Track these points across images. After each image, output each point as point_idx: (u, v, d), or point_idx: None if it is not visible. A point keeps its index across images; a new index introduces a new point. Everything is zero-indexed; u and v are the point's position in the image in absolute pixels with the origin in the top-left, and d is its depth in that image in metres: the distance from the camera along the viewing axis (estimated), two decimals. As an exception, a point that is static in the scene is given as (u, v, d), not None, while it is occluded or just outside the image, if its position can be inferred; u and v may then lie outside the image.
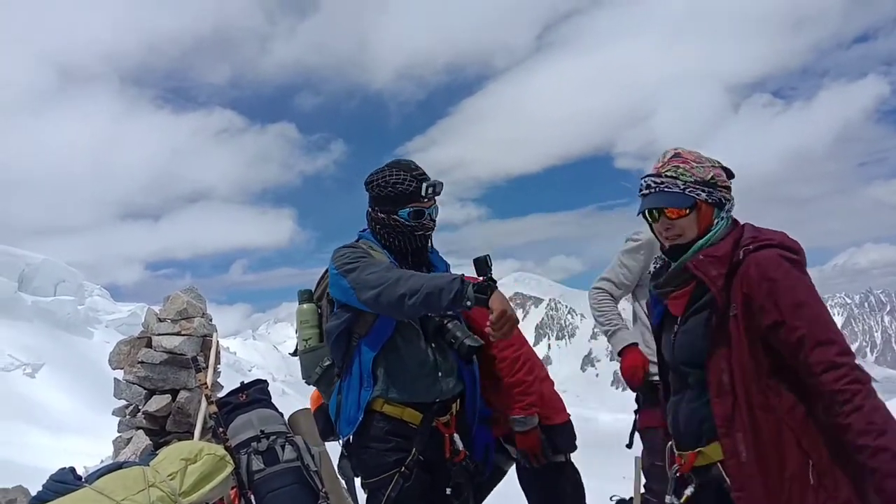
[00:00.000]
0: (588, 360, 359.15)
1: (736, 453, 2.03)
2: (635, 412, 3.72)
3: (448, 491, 2.85)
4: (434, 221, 2.93)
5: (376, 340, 2.78)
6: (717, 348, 2.07)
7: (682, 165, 2.18)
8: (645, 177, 2.25)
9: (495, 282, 2.53)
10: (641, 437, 3.69)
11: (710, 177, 2.17)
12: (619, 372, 3.64)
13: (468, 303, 2.43)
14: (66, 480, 2.91)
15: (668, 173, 2.19)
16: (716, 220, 2.17)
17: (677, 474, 2.26)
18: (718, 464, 2.10)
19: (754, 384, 2.01)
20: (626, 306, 3.98)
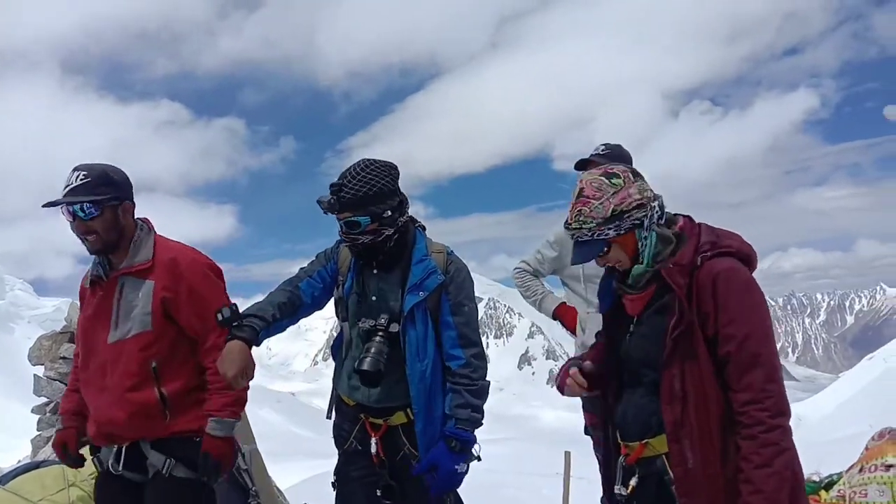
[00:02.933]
0: (525, 359, 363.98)
1: (683, 460, 2.06)
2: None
3: (378, 492, 2.85)
4: (347, 234, 2.73)
5: (339, 337, 3.04)
6: (672, 355, 2.08)
7: (583, 209, 2.16)
8: (564, 225, 2.27)
9: (238, 333, 2.57)
10: (589, 434, 3.84)
11: (611, 211, 2.14)
12: (565, 328, 3.85)
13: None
14: (-23, 481, 2.79)
15: (574, 225, 2.18)
16: (639, 241, 2.17)
17: (624, 464, 2.29)
18: (663, 456, 2.14)
19: (704, 392, 2.05)
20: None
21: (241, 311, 2.64)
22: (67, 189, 2.63)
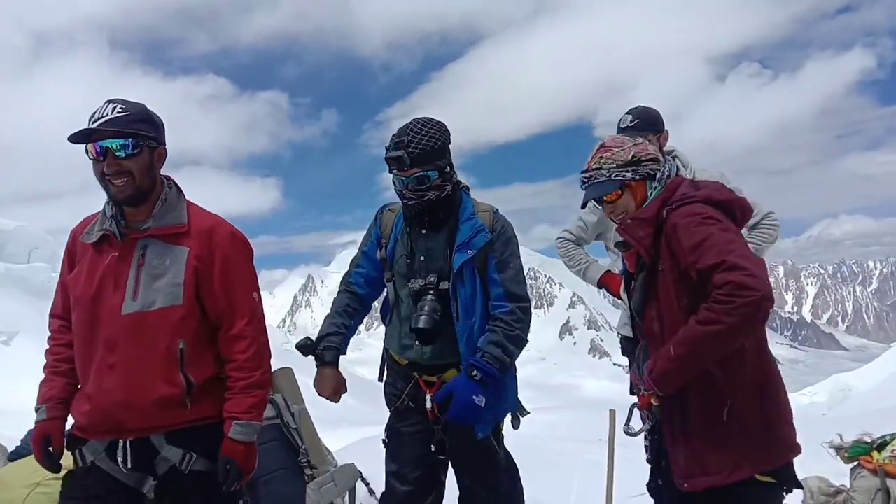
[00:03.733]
0: (566, 329, 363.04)
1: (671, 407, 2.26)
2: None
3: (432, 447, 2.88)
4: (415, 191, 2.75)
5: (386, 300, 3.06)
6: (649, 301, 2.31)
7: (604, 155, 2.41)
8: (580, 173, 2.49)
9: (325, 360, 2.88)
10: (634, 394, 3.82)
11: (630, 157, 2.38)
12: (611, 295, 3.81)
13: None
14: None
15: (594, 166, 2.42)
16: (650, 191, 2.38)
17: (636, 409, 2.48)
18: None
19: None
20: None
21: (312, 335, 2.81)
22: (101, 121, 2.23)
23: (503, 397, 2.86)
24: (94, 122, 2.22)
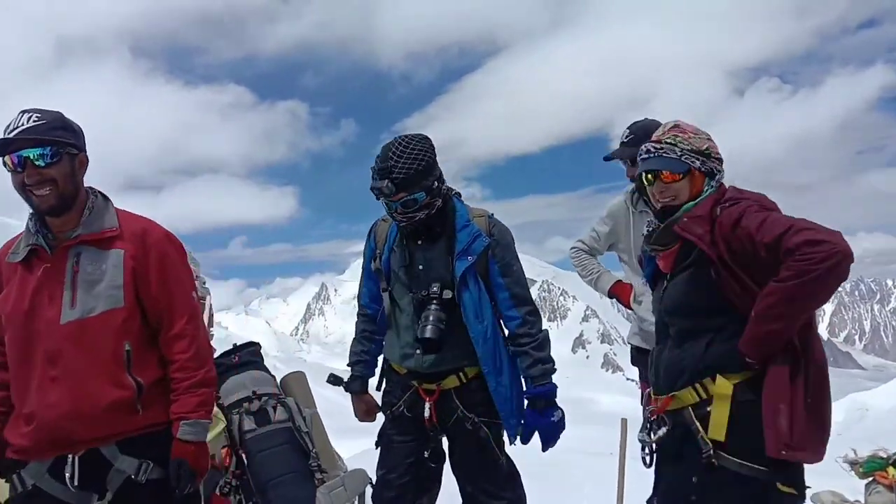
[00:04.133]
0: (579, 343, 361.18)
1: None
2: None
3: (426, 454, 2.96)
4: (404, 214, 2.76)
5: (383, 310, 3.12)
6: (720, 292, 2.23)
7: (680, 135, 2.38)
8: (646, 143, 2.45)
9: (355, 391, 3.21)
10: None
11: (705, 147, 2.36)
12: (621, 304, 3.91)
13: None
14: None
15: (668, 140, 2.38)
16: (705, 188, 2.36)
17: (652, 416, 2.45)
18: (690, 408, 2.30)
19: None
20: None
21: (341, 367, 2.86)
22: (17, 130, 2.16)
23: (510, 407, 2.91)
24: (9, 133, 2.16)
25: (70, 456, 2.24)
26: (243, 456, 3.49)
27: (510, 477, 3.00)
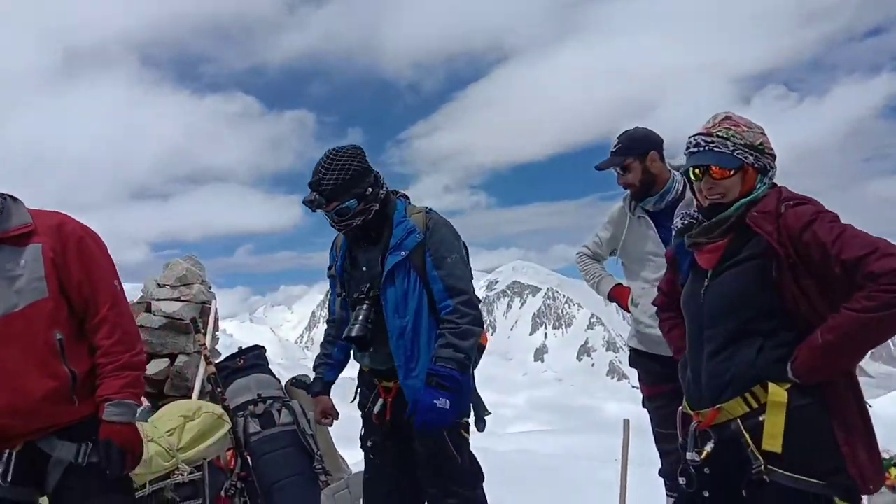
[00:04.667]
0: (584, 350, 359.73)
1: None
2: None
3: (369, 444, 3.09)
4: (343, 222, 2.86)
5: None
6: (778, 292, 2.09)
7: (733, 128, 2.21)
8: (694, 135, 2.26)
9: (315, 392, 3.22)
10: (646, 407, 3.77)
11: (758, 142, 2.20)
12: (620, 307, 3.89)
13: None
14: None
15: (720, 133, 2.20)
16: (758, 185, 2.20)
17: (697, 431, 2.26)
18: (738, 419, 2.13)
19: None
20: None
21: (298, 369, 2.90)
22: None
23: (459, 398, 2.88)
24: None
25: (7, 452, 2.27)
26: (248, 458, 3.52)
27: (470, 476, 3.00)
